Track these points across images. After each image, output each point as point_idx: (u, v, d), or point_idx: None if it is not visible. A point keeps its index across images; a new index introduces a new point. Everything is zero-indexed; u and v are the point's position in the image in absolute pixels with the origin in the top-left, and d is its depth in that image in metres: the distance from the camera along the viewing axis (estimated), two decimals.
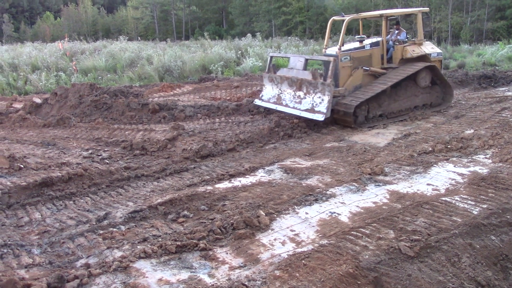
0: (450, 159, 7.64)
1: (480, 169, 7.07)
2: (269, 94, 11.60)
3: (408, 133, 9.47)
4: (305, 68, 10.89)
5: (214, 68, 20.55)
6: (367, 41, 11.58)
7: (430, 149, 8.13)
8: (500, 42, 25.53)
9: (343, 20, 11.27)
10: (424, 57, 11.82)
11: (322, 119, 9.96)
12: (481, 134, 8.87)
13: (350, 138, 9.42)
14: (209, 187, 6.73)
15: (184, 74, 20.64)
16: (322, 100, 10.10)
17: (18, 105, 13.88)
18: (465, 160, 7.57)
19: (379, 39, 11.68)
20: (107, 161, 8.23)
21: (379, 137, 9.43)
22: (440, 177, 6.81)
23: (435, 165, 7.37)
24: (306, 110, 10.34)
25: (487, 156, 7.71)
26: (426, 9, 12.57)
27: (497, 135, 8.71)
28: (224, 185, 6.86)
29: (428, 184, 6.56)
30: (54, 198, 6.57)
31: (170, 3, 64.15)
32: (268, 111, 11.70)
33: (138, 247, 4.96)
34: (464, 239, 4.87)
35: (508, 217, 5.36)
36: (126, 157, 8.54)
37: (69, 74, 20.25)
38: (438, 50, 12.50)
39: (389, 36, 12.05)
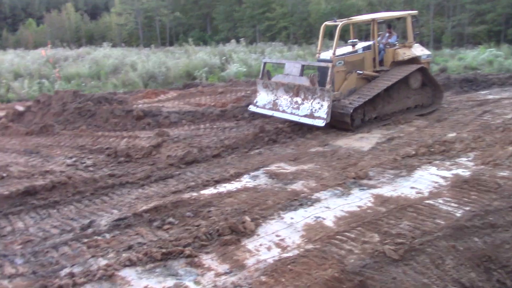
0: (433, 162, 7.71)
1: (462, 171, 7.15)
2: (264, 100, 11.61)
3: (392, 137, 9.54)
4: (301, 74, 10.95)
5: (199, 74, 20.51)
6: (360, 45, 11.68)
7: (414, 152, 8.21)
8: (481, 46, 25.85)
9: (335, 25, 11.38)
10: (415, 59, 12.00)
11: (323, 124, 10.01)
12: (463, 137, 8.98)
13: (334, 143, 9.47)
14: (194, 194, 6.71)
15: (168, 80, 20.57)
16: (322, 105, 10.17)
17: (0, 113, 13.72)
18: (448, 163, 7.65)
19: (370, 42, 11.80)
20: (91, 169, 8.17)
21: (363, 142, 9.49)
22: (424, 180, 6.88)
23: (418, 168, 7.44)
24: (305, 116, 10.39)
25: (469, 159, 7.80)
26: (415, 12, 12.75)
27: (479, 138, 8.82)
28: (209, 191, 6.85)
29: (411, 187, 6.62)
30: (38, 207, 6.50)
31: (154, 9, 63.99)
32: (253, 117, 11.72)
33: (123, 255, 4.93)
34: (447, 242, 4.92)
35: (491, 219, 5.42)
36: (110, 164, 8.48)
37: (52, 81, 20.05)
38: (427, 52, 12.77)
39: (380, 38, 12.16)
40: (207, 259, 4.81)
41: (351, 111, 10.24)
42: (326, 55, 11.43)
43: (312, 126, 10.21)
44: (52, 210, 6.41)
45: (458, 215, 5.53)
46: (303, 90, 10.61)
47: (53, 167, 8.21)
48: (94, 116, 11.80)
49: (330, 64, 10.40)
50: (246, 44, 34.73)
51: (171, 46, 49.22)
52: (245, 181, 7.27)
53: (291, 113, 10.74)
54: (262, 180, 7.27)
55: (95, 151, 9.32)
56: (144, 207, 6.18)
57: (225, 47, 30.57)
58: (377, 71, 11.65)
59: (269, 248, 4.98)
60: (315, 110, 10.30)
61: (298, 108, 10.67)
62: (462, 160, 7.78)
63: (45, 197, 6.83)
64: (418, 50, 12.32)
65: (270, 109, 11.31)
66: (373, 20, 11.92)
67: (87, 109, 12.04)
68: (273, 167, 7.87)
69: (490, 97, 13.30)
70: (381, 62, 11.92)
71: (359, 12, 51.24)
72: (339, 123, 10.50)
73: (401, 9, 44.93)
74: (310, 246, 4.90)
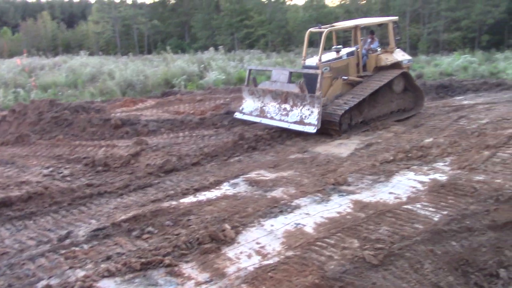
0: (411, 167, 7.80)
1: (439, 176, 7.25)
2: (250, 107, 11.65)
3: (370, 143, 9.63)
4: (289, 81, 11.07)
5: (177, 82, 20.44)
6: (344, 51, 11.89)
7: (391, 158, 8.30)
8: (456, 53, 26.33)
9: (319, 32, 11.62)
10: (397, 64, 12.31)
11: (314, 131, 10.13)
12: (440, 142, 9.11)
13: (313, 149, 9.51)
14: (174, 202, 6.67)
15: (146, 89, 20.44)
16: (312, 112, 10.29)
17: None
18: (425, 168, 7.75)
19: (353, 48, 12.02)
20: (68, 179, 8.06)
21: (342, 148, 9.55)
22: (402, 185, 6.95)
23: (396, 173, 7.52)
24: (295, 123, 10.50)
25: (446, 163, 7.92)
26: (396, 18, 13.14)
27: (455, 143, 8.97)
28: (189, 199, 6.82)
29: (390, 193, 6.69)
30: (13, 218, 6.38)
31: (131, 18, 63.74)
32: (232, 124, 11.73)
33: (102, 265, 4.86)
34: (426, 246, 4.97)
35: (468, 222, 5.50)
36: (88, 174, 8.38)
37: (28, 90, 19.76)
38: (408, 57, 13.12)
39: (362, 44, 12.34)
40: (187, 268, 4.77)
41: (339, 116, 10.43)
42: (312, 61, 11.59)
43: (302, 132, 10.33)
44: (29, 221, 6.30)
45: (435, 219, 5.60)
46: (291, 97, 10.71)
47: (29, 178, 8.07)
48: (71, 125, 11.66)
49: (319, 71, 10.56)
50: (225, 51, 34.77)
51: (149, 54, 48.99)
52: (225, 189, 7.25)
53: (280, 120, 10.84)
54: (242, 187, 7.27)
55: (73, 160, 9.20)
56: (123, 217, 6.12)
57: (203, 55, 30.54)
58: (361, 76, 11.87)
59: (249, 256, 4.97)
60: (305, 116, 10.41)
61: (287, 115, 10.76)
62: (439, 165, 7.88)
63: (21, 208, 6.71)
64: (400, 55, 12.62)
65: (257, 116, 11.37)
66: (356, 26, 12.15)
67: (64, 118, 11.89)
68: (252, 175, 7.87)
69: (465, 102, 13.55)
70: (364, 67, 12.14)
71: (336, 19, 51.77)
72: (327, 128, 10.63)
73: (379, 16, 45.49)
74: (290, 253, 4.91)
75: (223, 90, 18.07)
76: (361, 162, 8.28)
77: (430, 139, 9.46)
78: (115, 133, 11.24)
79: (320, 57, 11.15)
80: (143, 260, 4.85)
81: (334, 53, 11.81)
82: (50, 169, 8.67)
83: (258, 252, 5.03)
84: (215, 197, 6.87)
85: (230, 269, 4.70)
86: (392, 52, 12.44)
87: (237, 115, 11.94)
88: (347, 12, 51.86)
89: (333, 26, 12.25)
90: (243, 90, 12.03)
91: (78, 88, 20.79)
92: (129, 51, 49.98)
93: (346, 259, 4.71)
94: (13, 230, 6.02)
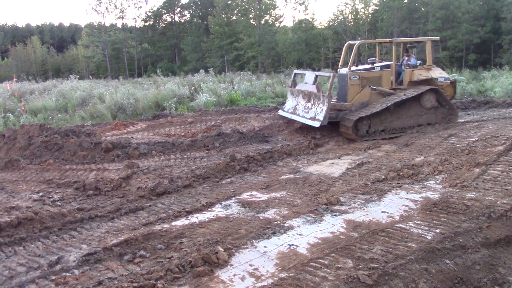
0: (403, 186, 7.83)
1: (431, 194, 7.27)
2: (289, 106, 13.84)
3: (362, 162, 9.66)
4: (314, 83, 12.55)
5: (168, 105, 20.48)
6: (378, 64, 13.38)
7: (383, 177, 8.32)
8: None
9: (354, 44, 13.51)
10: (430, 81, 13.17)
11: (318, 125, 11.81)
12: (430, 160, 9.16)
13: (305, 170, 9.52)
14: (166, 225, 6.61)
15: (137, 112, 20.45)
16: (322, 109, 11.77)
17: None
18: (417, 186, 7.77)
19: (390, 62, 13.32)
20: (59, 203, 7.98)
21: (334, 167, 9.57)
22: (394, 204, 6.96)
23: (388, 192, 7.53)
24: (310, 119, 12.24)
25: (438, 181, 7.95)
26: (436, 38, 14.36)
27: (446, 161, 9.02)
28: (181, 222, 6.76)
29: (383, 212, 6.68)
30: (3, 245, 6.27)
31: (121, 41, 64.05)
32: (224, 146, 11.77)
33: None
34: (420, 265, 4.95)
35: (461, 240, 5.50)
36: (79, 198, 8.30)
37: (17, 115, 19.69)
38: (446, 75, 13.94)
39: (403, 60, 13.82)
40: None
41: (353, 122, 11.74)
42: (345, 70, 13.06)
43: (311, 126, 12.08)
44: (18, 247, 6.21)
45: (429, 237, 5.59)
46: (312, 96, 12.52)
47: (18, 203, 7.98)
48: (62, 149, 11.59)
49: (331, 74, 12.58)
50: (215, 74, 34.98)
51: (139, 77, 49.20)
52: (217, 210, 7.21)
53: (303, 116, 12.67)
54: (234, 209, 7.23)
55: (63, 185, 9.13)
56: (114, 241, 6.05)
57: (194, 77, 30.71)
58: (393, 89, 12.99)
59: (243, 278, 4.91)
60: (317, 113, 11.97)
61: (308, 112, 12.47)
62: (431, 183, 7.91)
63: (11, 234, 6.60)
64: (436, 73, 13.52)
65: (291, 113, 13.38)
66: (391, 42, 13.57)
67: (54, 142, 11.81)
68: (245, 196, 7.84)
69: None
70: (402, 82, 13.29)
71: (325, 41, 52.49)
72: (344, 132, 12.17)
73: (366, 38, 46.30)
74: (284, 275, 4.86)
75: (214, 112, 18.10)
76: (353, 182, 8.29)
77: (421, 158, 9.51)
78: (106, 156, 11.18)
79: (350, 66, 12.74)
80: (135, 284, 4.78)
81: (370, 65, 13.35)
82: (40, 194, 8.59)
83: (251, 274, 4.98)
84: (207, 219, 6.82)
85: None
86: (429, 69, 13.33)
87: (280, 112, 14.15)
88: (336, 34, 52.60)
89: (365, 41, 15.21)
90: (287, 91, 14.33)
91: (68, 112, 20.76)
92: (119, 75, 50.15)
93: (340, 280, 4.68)
94: (3, 256, 5.92)
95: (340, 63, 13.97)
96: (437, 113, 13.02)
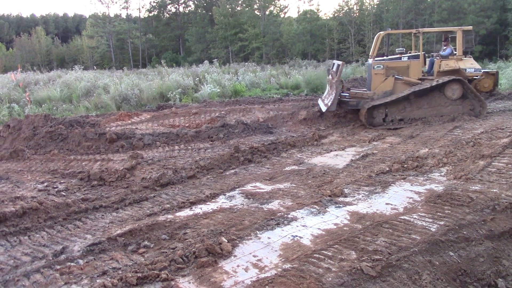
0: (407, 178, 7.81)
1: (436, 186, 7.25)
2: (325, 93, 14.51)
3: (366, 154, 9.64)
4: (337, 72, 12.85)
5: (172, 96, 20.48)
6: (406, 54, 13.39)
7: (387, 169, 8.30)
8: None
9: (388, 34, 14.20)
10: (457, 71, 12.82)
11: (324, 110, 12.83)
12: (435, 152, 9.13)
13: (309, 161, 9.51)
14: (170, 216, 6.63)
15: (141, 102, 20.47)
16: (332, 95, 12.64)
17: None
18: (421, 178, 7.75)
19: (419, 53, 13.24)
20: (63, 194, 8.01)
21: (338, 159, 9.56)
22: (398, 196, 6.94)
23: (392, 184, 7.52)
24: (325, 104, 12.95)
25: (442, 173, 7.93)
26: (469, 27, 13.52)
27: (450, 153, 8.99)
28: (185, 213, 6.78)
29: (387, 204, 6.67)
30: (8, 234, 6.31)
31: (126, 32, 63.97)
32: (228, 137, 11.78)
33: (98, 281, 4.81)
34: (423, 257, 4.95)
35: (465, 232, 5.49)
36: (83, 188, 8.33)
37: (22, 105, 19.75)
38: (477, 66, 13.45)
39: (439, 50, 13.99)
40: (184, 282, 4.73)
41: (366, 109, 12.18)
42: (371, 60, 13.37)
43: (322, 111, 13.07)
44: (23, 237, 6.24)
45: (433, 229, 5.58)
46: (331, 83, 13.15)
47: (23, 193, 8.02)
48: (66, 139, 11.63)
49: (341, 62, 12.94)
50: (219, 64, 34.90)
51: (144, 68, 49.15)
52: (221, 201, 7.22)
53: (323, 102, 13.48)
54: (238, 200, 7.24)
55: (68, 175, 9.16)
56: (119, 231, 6.07)
57: (198, 68, 30.66)
58: (421, 79, 12.89)
59: (246, 269, 4.93)
60: (330, 99, 12.73)
61: (328, 97, 13.27)
62: (435, 175, 7.89)
63: (16, 223, 6.64)
64: (467, 64, 13.11)
65: (322, 100, 14.05)
66: (418, 31, 13.44)
67: (59, 132, 11.85)
68: (249, 187, 7.85)
69: None
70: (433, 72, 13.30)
71: (330, 32, 52.26)
72: (360, 120, 12.67)
73: (370, 28, 46.03)
74: (287, 266, 4.87)
75: (218, 103, 18.09)
76: (357, 173, 8.28)
77: (426, 150, 9.48)
78: (110, 147, 11.21)
79: (373, 56, 13.14)
80: (139, 274, 4.80)
81: (398, 55, 13.45)
82: (45, 184, 8.63)
83: (255, 265, 4.99)
84: (211, 210, 6.84)
85: (227, 283, 4.66)
86: (460, 59, 13.01)
87: (319, 100, 14.78)
88: (341, 25, 52.33)
89: (389, 31, 14.68)
90: (327, 80, 14.64)
91: (73, 103, 20.80)
92: (123, 65, 50.12)
93: (344, 271, 4.68)
94: (8, 246, 5.96)
95: (371, 53, 13.83)
96: (464, 104, 12.67)
